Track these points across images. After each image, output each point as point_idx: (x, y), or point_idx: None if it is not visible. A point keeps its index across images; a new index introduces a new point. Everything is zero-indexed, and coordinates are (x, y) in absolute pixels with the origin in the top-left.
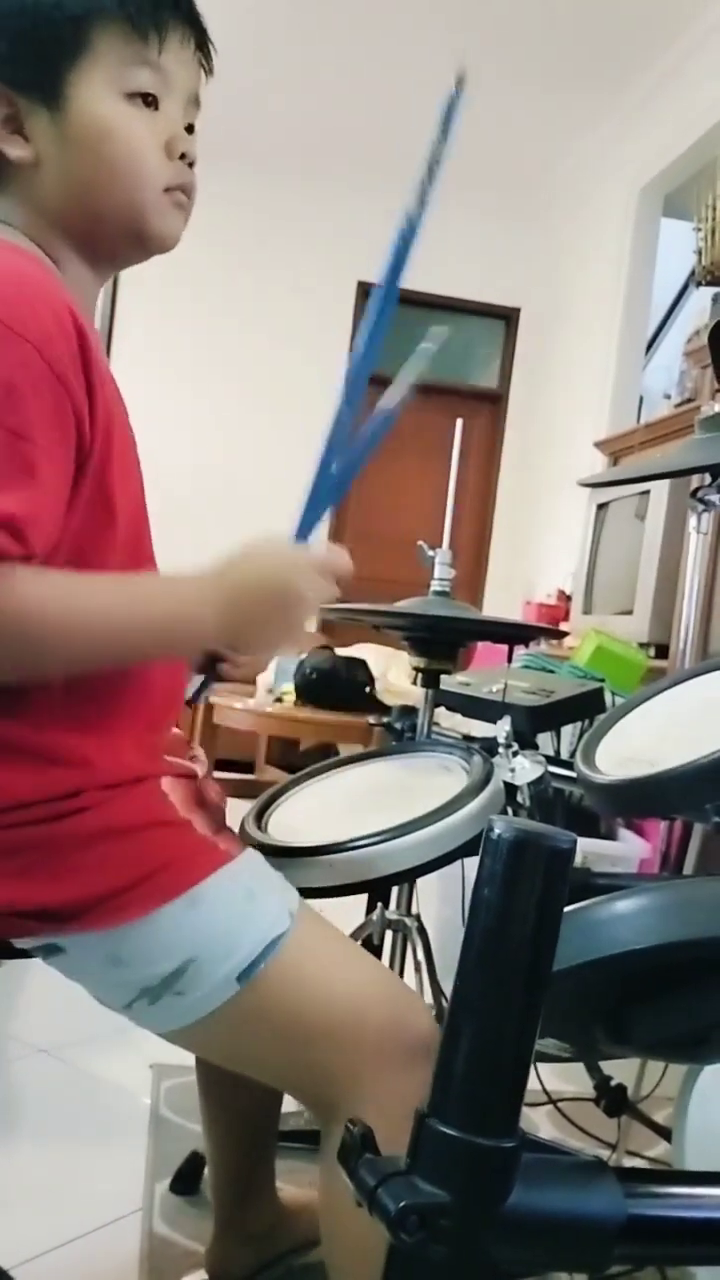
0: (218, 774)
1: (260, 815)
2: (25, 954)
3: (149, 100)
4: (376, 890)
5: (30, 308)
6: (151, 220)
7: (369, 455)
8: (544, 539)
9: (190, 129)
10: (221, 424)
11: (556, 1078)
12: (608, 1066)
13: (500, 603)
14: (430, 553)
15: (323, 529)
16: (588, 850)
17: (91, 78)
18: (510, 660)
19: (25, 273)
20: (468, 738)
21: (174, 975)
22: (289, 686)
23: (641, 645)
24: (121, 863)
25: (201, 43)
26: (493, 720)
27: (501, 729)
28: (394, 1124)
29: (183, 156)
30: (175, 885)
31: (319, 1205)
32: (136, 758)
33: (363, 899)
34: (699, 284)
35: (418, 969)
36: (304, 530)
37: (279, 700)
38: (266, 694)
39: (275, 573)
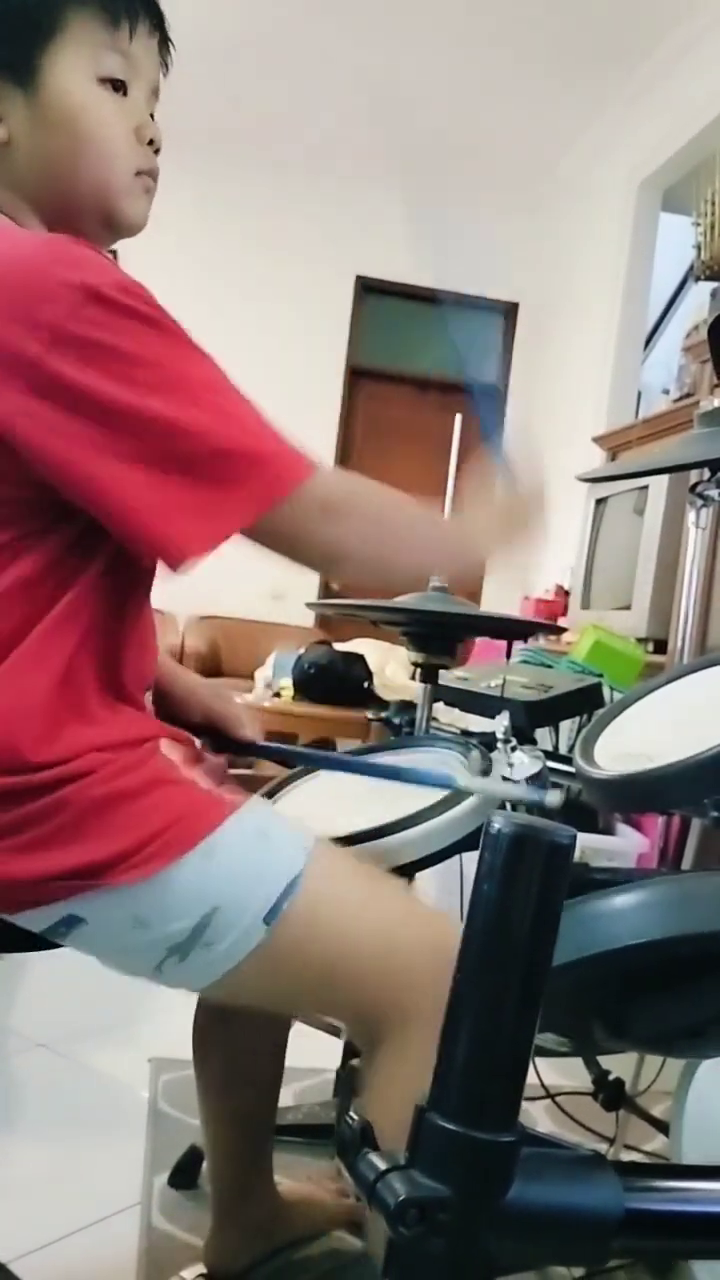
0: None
1: None
2: (31, 946)
3: (119, 86)
4: None
5: (109, 266)
6: (121, 202)
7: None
8: (542, 534)
9: (151, 118)
10: None
11: (555, 1072)
12: (606, 1061)
13: (498, 598)
14: None
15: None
16: (586, 845)
17: (65, 61)
18: (509, 655)
19: (74, 241)
20: (466, 733)
21: (200, 927)
22: (287, 682)
23: (640, 640)
24: (132, 824)
25: (164, 37)
26: (491, 715)
27: (500, 724)
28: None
29: (150, 143)
30: (188, 838)
31: (371, 1108)
32: (136, 715)
33: None
34: (698, 279)
35: None
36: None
37: (277, 695)
38: (264, 689)
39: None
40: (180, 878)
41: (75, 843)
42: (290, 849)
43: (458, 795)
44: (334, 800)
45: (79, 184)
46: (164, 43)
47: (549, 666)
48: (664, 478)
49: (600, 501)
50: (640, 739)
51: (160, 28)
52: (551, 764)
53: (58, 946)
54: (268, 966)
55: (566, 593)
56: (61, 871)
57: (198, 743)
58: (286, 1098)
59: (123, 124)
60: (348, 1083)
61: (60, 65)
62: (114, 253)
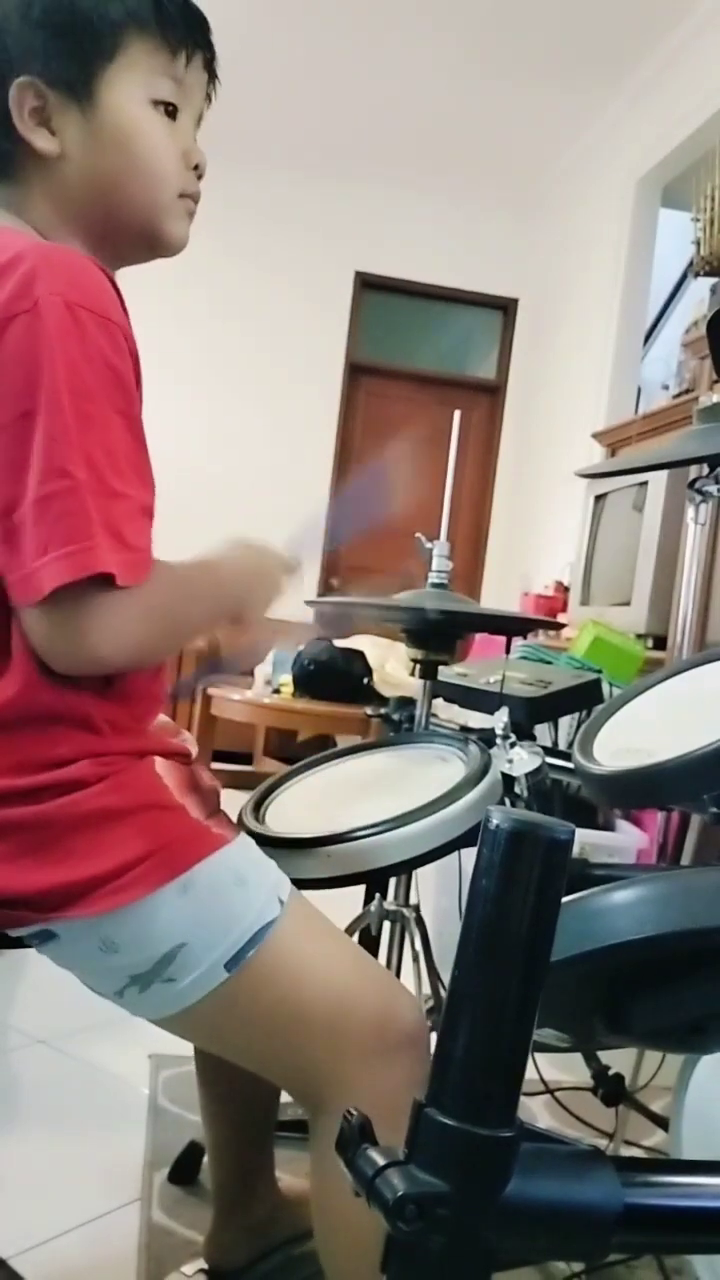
0: (215, 765)
1: (258, 806)
2: (22, 944)
3: (170, 110)
4: (374, 881)
5: (101, 289)
6: (166, 222)
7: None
8: (542, 530)
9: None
10: (217, 412)
11: (554, 1067)
12: (605, 1056)
13: (498, 594)
14: (428, 544)
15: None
16: (585, 841)
17: (122, 81)
18: (508, 651)
19: (80, 255)
20: (465, 729)
21: (164, 961)
22: (286, 678)
23: (639, 636)
24: (117, 845)
25: (213, 73)
26: (490, 711)
27: (499, 720)
28: (378, 1116)
29: (195, 167)
30: (169, 869)
31: (311, 1196)
32: (131, 722)
33: (360, 890)
34: (697, 274)
35: (415, 960)
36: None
37: (277, 692)
38: (264, 685)
39: (265, 556)
40: (155, 908)
41: (55, 860)
42: (265, 897)
43: (457, 791)
44: (332, 796)
45: (127, 202)
46: (212, 78)
47: (548, 662)
48: (663, 474)
49: (600, 497)
50: (639, 735)
51: (211, 62)
52: (550, 760)
53: None
54: (222, 1011)
55: (566, 589)
56: (38, 889)
57: (191, 749)
58: (287, 1094)
59: (172, 147)
60: None
61: (118, 86)
62: None
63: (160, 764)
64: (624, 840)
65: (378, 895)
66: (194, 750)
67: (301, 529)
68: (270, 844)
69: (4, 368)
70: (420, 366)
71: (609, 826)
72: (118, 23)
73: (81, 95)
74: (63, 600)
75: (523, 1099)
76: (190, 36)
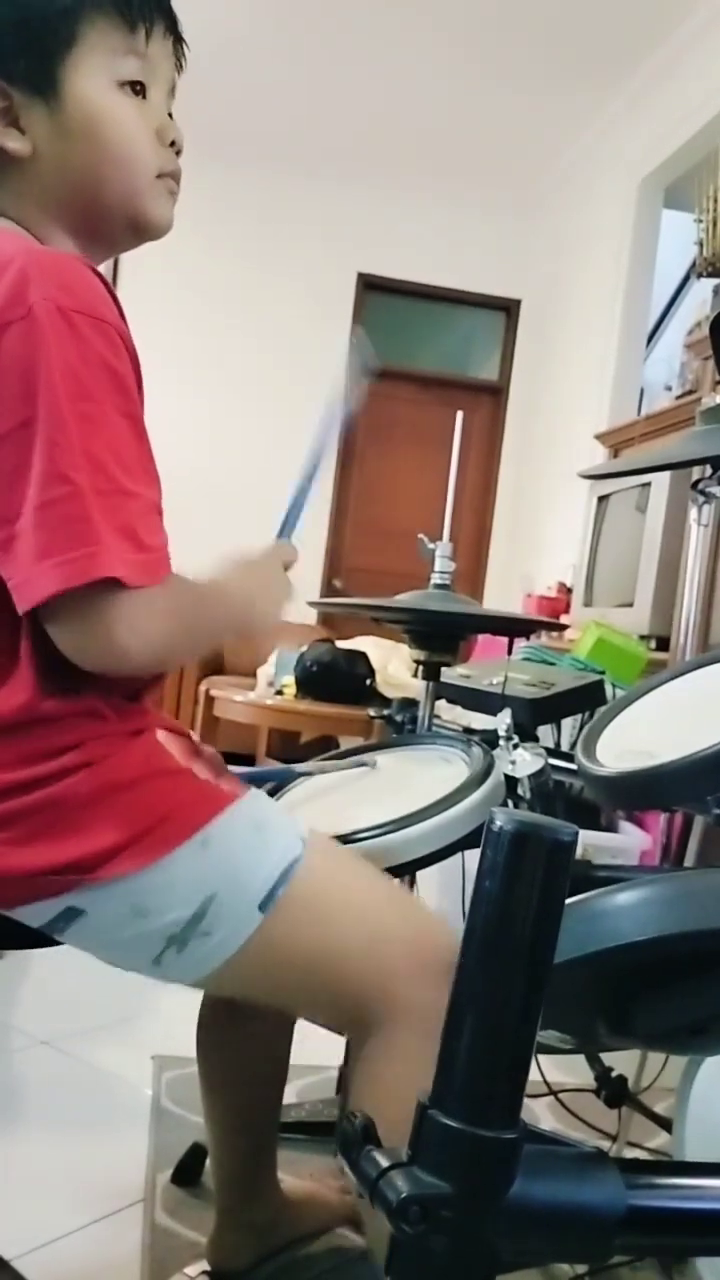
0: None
1: None
2: (33, 944)
3: (138, 89)
4: None
5: (95, 292)
6: (148, 206)
7: (321, 462)
8: (544, 531)
9: (170, 118)
10: (220, 414)
11: (557, 1069)
12: (608, 1058)
13: (501, 595)
14: (430, 545)
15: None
16: (588, 843)
17: (85, 68)
18: (510, 652)
19: (71, 258)
20: (468, 730)
21: (198, 916)
22: (289, 679)
23: (642, 638)
24: (128, 814)
25: (178, 35)
26: (493, 712)
27: (502, 721)
28: (429, 1039)
29: (172, 144)
30: (185, 828)
31: (361, 1095)
32: (132, 705)
33: None
34: (700, 275)
35: None
36: (285, 530)
37: (279, 693)
38: (267, 687)
39: (263, 570)
40: (178, 867)
41: (73, 835)
42: (286, 838)
43: (460, 792)
44: (335, 798)
45: (105, 190)
46: (178, 42)
47: (551, 664)
48: (666, 475)
49: (602, 499)
50: (642, 736)
51: (174, 27)
52: (553, 761)
53: (57, 944)
54: (262, 955)
55: (569, 590)
56: (60, 864)
57: (194, 736)
58: (289, 1095)
59: (144, 127)
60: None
61: (80, 73)
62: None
63: (161, 734)
64: (627, 842)
65: None
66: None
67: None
68: None
69: (2, 377)
70: (423, 367)
71: (612, 828)
72: (71, 9)
73: (45, 90)
74: (80, 603)
75: (526, 1101)
76: (146, 7)
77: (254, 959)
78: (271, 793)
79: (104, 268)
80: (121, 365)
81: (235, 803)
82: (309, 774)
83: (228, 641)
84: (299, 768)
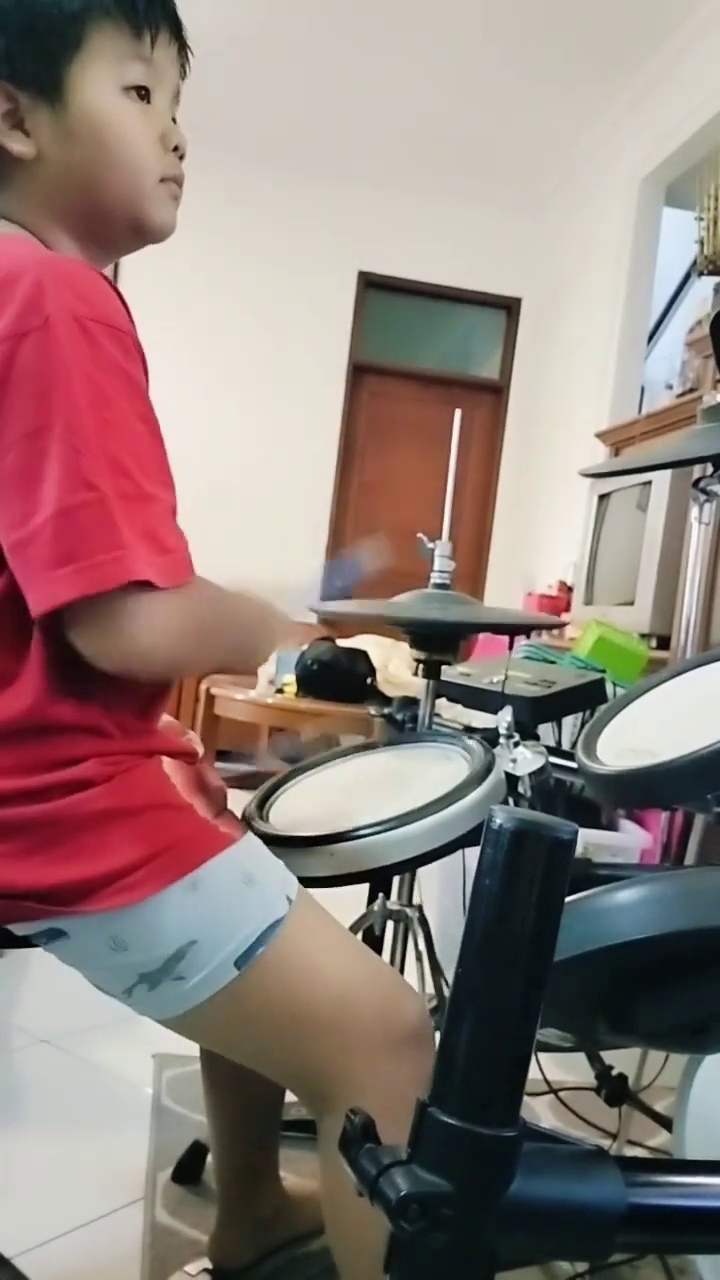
0: (219, 765)
1: (262, 805)
2: (28, 943)
3: (143, 94)
4: (378, 880)
5: (108, 299)
6: (150, 210)
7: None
8: (545, 530)
9: (174, 123)
10: (221, 413)
11: (558, 1067)
12: (608, 1056)
13: (501, 594)
14: (430, 545)
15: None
16: (589, 841)
17: (90, 72)
18: (511, 651)
19: (83, 266)
20: (469, 729)
21: (174, 959)
22: (290, 678)
23: (643, 636)
24: (125, 844)
25: (183, 42)
26: (494, 711)
27: (502, 720)
28: (385, 1113)
29: (175, 149)
30: (178, 867)
31: (321, 1195)
32: (139, 723)
33: (364, 889)
34: (701, 274)
35: (419, 959)
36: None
37: (280, 691)
38: (268, 685)
39: (267, 609)
40: (164, 907)
41: (66, 857)
42: (273, 895)
43: (460, 790)
44: (336, 795)
45: (108, 194)
46: (182, 49)
47: (552, 662)
48: (667, 473)
49: (603, 497)
50: (643, 735)
51: (179, 33)
52: (554, 759)
53: None
54: (230, 1009)
55: (569, 588)
56: (50, 886)
57: (197, 745)
58: (292, 1094)
59: (148, 132)
60: None
61: (86, 78)
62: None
63: (167, 763)
64: (627, 840)
65: (381, 894)
66: (200, 750)
67: (300, 588)
68: (274, 843)
69: (17, 384)
70: (423, 366)
71: (612, 826)
72: (77, 13)
73: (51, 93)
74: (104, 606)
75: (526, 1099)
76: (152, 13)
77: (221, 1011)
78: (283, 782)
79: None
80: (135, 371)
81: (230, 848)
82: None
83: (229, 663)
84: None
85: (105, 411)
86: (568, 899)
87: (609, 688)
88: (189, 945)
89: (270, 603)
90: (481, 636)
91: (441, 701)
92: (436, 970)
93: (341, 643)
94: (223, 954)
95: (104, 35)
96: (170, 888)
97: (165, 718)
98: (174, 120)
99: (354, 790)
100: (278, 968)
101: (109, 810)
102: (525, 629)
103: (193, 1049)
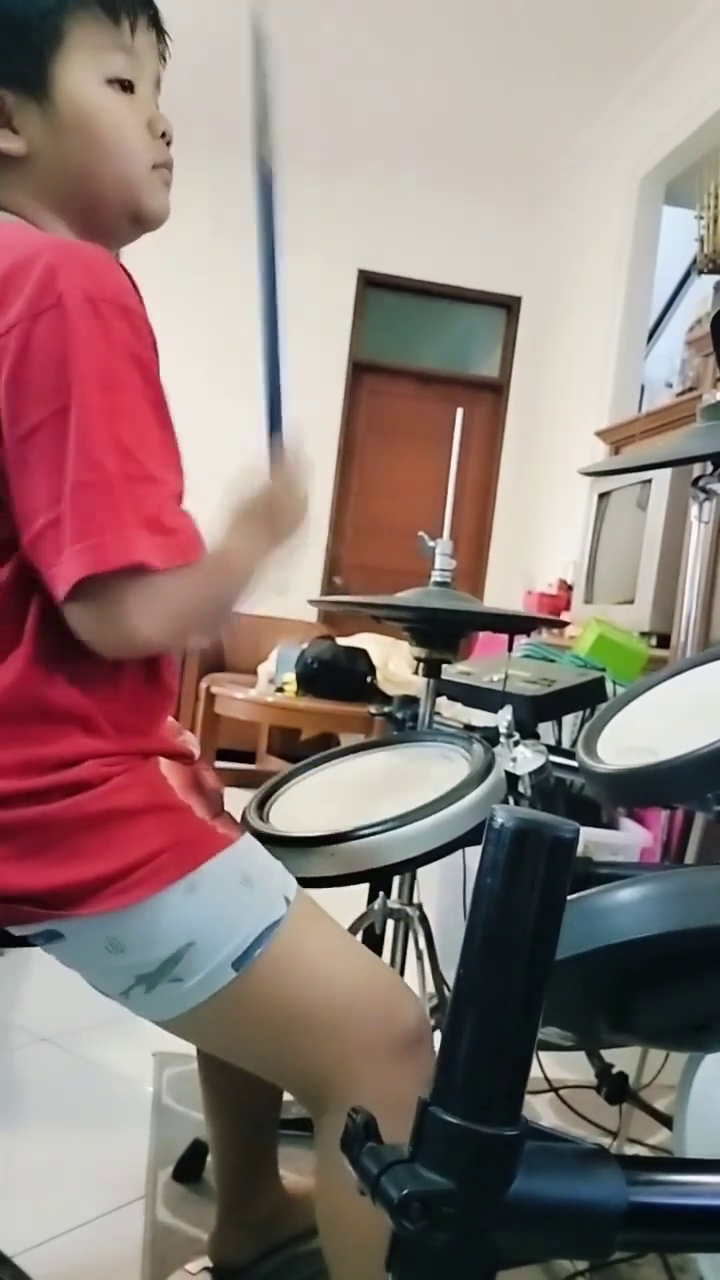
0: (219, 764)
1: (262, 805)
2: (26, 942)
3: (126, 85)
4: (378, 879)
5: (120, 281)
6: (145, 197)
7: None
8: (545, 528)
9: (157, 109)
10: (220, 412)
11: (558, 1066)
12: (609, 1054)
13: (501, 592)
14: (431, 543)
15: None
16: (589, 840)
17: (73, 66)
18: (511, 650)
19: (95, 248)
20: (469, 727)
21: (171, 961)
22: (290, 677)
23: (643, 635)
24: (123, 846)
25: (161, 30)
26: (494, 710)
27: (503, 718)
28: (383, 1115)
29: (163, 135)
30: (175, 869)
31: (316, 1196)
32: (134, 719)
33: (364, 888)
34: (701, 272)
35: (419, 958)
36: (274, 423)
37: (280, 690)
38: (268, 684)
39: (270, 502)
40: (161, 908)
41: (63, 860)
42: (271, 897)
43: (461, 790)
44: (336, 795)
45: (102, 185)
46: (160, 35)
47: (552, 661)
48: (667, 472)
49: (603, 496)
50: (643, 733)
51: (157, 20)
52: (554, 758)
53: None
54: (228, 1011)
55: (569, 587)
56: (46, 889)
57: (193, 746)
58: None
59: (135, 121)
60: None
61: (70, 71)
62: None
63: (164, 764)
64: (628, 839)
65: (381, 894)
66: (196, 752)
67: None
68: (274, 843)
69: (34, 365)
70: (423, 364)
71: (613, 825)
72: (55, 8)
73: (36, 89)
74: (98, 588)
75: (527, 1097)
76: (129, 3)
77: (219, 1014)
78: (284, 782)
79: None
80: (146, 353)
81: (227, 849)
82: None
83: (235, 606)
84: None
85: (113, 393)
86: (569, 898)
87: (609, 686)
88: (186, 947)
89: (262, 517)
90: (481, 636)
91: (442, 700)
92: (437, 970)
93: (341, 641)
94: (220, 956)
95: (83, 27)
96: (168, 889)
97: (174, 725)
98: (157, 107)
99: (354, 790)
100: (275, 970)
101: (106, 812)
102: (526, 624)
103: (193, 1047)
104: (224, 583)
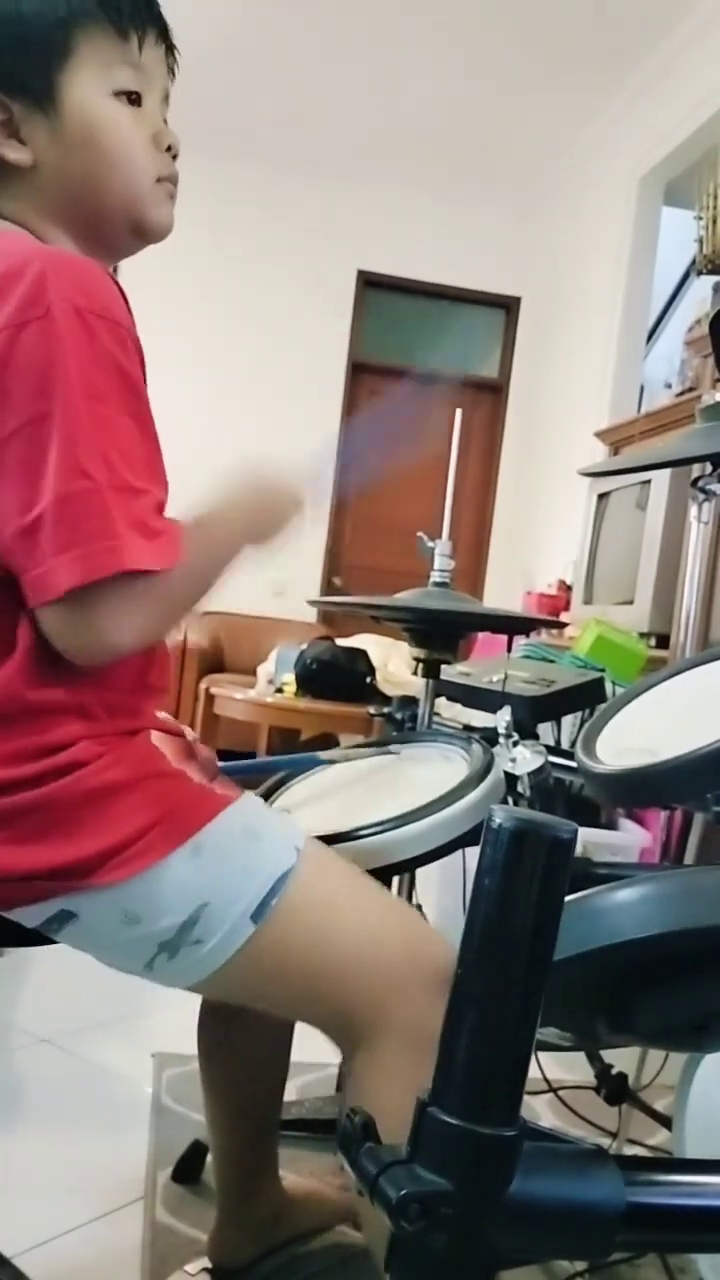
0: (218, 764)
1: None
2: (31, 940)
3: (133, 98)
4: (377, 879)
5: (109, 294)
6: (148, 210)
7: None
8: (544, 529)
9: (164, 124)
10: (221, 411)
11: (557, 1066)
12: (608, 1055)
13: (501, 593)
14: (430, 544)
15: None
16: (588, 840)
17: (81, 78)
18: (510, 650)
19: (86, 261)
20: (468, 728)
21: (189, 923)
22: (289, 677)
23: (642, 635)
24: (123, 816)
25: (170, 44)
26: (493, 710)
27: (502, 719)
28: (415, 1049)
29: (169, 149)
30: (178, 833)
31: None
32: (129, 701)
33: None
34: (700, 273)
35: None
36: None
37: (279, 691)
38: (267, 685)
39: (269, 493)
40: (169, 874)
41: (65, 838)
42: (279, 847)
43: (460, 790)
44: (334, 796)
45: (106, 198)
46: (170, 50)
47: (551, 661)
48: (666, 472)
49: (602, 496)
50: (643, 734)
51: (166, 35)
52: (553, 759)
53: (56, 942)
54: (254, 964)
55: (569, 587)
56: (52, 867)
57: (189, 735)
58: (290, 1092)
59: (141, 134)
60: None
61: (77, 84)
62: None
63: (156, 736)
64: (627, 839)
65: None
66: (194, 735)
67: (313, 458)
68: None
69: (18, 372)
70: (422, 365)
71: (612, 825)
72: (64, 20)
73: (44, 101)
74: (80, 596)
75: (526, 1098)
76: (138, 16)
77: (246, 968)
78: (282, 783)
79: None
80: (131, 367)
81: (228, 808)
82: (333, 761)
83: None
84: (323, 755)
85: (97, 405)
86: (567, 898)
87: (608, 687)
88: (201, 908)
89: (267, 485)
90: (481, 636)
91: (441, 701)
92: None
93: (341, 642)
94: (236, 911)
95: (91, 41)
96: (174, 854)
97: (162, 715)
98: (165, 121)
99: (353, 790)
100: (295, 917)
101: (103, 786)
102: (525, 625)
103: (192, 1048)
104: (199, 579)
